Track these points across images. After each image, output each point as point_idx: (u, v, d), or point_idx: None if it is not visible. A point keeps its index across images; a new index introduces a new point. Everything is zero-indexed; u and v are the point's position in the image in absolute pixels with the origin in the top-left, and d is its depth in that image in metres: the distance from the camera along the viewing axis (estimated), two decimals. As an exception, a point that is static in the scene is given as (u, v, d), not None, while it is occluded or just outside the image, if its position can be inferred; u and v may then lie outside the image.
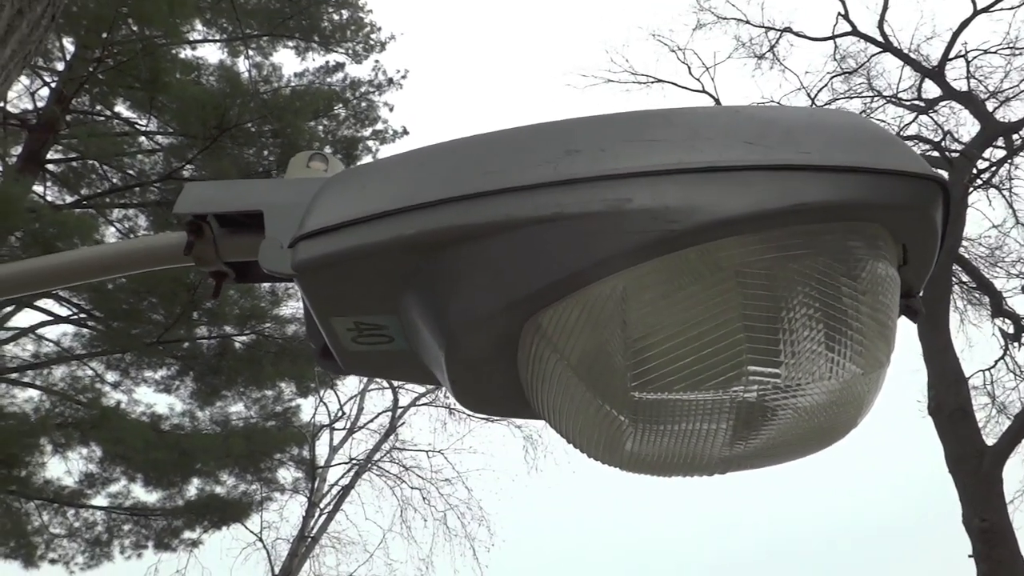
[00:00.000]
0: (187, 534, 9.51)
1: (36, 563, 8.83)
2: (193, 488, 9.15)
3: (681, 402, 0.53)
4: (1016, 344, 10.39)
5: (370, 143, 10.23)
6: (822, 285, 0.52)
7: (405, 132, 10.46)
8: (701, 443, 0.55)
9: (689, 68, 12.46)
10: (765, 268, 0.52)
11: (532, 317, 0.56)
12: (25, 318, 9.40)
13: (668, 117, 0.60)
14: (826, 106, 11.35)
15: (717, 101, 12.24)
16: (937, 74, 11.02)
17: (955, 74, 11.08)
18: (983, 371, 10.38)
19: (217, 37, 10.58)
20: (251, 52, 10.46)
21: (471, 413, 0.69)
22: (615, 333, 0.53)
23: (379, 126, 10.30)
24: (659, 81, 12.10)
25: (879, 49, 11.48)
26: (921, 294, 0.64)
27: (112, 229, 9.73)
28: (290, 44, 10.60)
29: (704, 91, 12.13)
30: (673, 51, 12.33)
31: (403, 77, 10.37)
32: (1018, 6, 10.59)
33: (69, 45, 9.43)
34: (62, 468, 8.70)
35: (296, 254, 0.60)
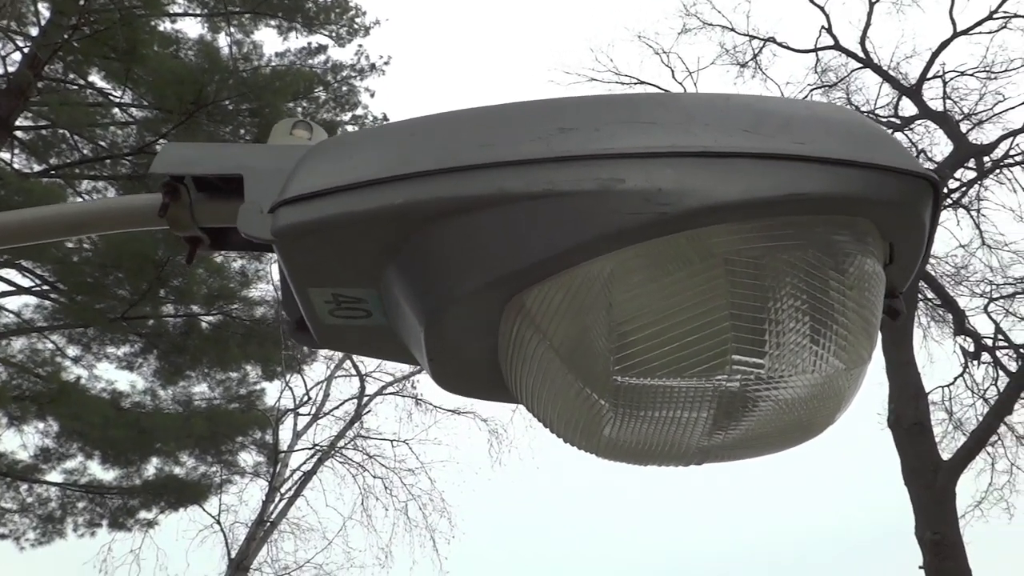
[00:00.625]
0: (143, 514, 9.37)
1: (-15, 537, 8.65)
2: (152, 468, 9.02)
3: (663, 388, 0.52)
4: (975, 362, 10.61)
5: (349, 128, 10.13)
6: (810, 277, 0.52)
7: (385, 118, 10.38)
8: (680, 431, 0.54)
9: (673, 71, 12.50)
10: (755, 257, 0.52)
11: (516, 296, 0.55)
12: (-15, 287, 9.17)
13: (663, 101, 0.59)
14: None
15: (699, 106, 12.26)
16: (914, 93, 11.20)
17: (932, 94, 11.28)
18: (942, 387, 10.59)
19: (198, 11, 10.39)
20: (232, 29, 10.30)
21: (447, 392, 0.68)
22: (600, 315, 0.52)
23: (359, 111, 10.21)
24: (642, 83, 12.13)
25: (860, 64, 11.64)
26: (903, 295, 0.64)
27: (80, 200, 9.53)
28: (272, 23, 10.45)
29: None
30: (658, 53, 12.38)
31: (386, 63, 10.30)
32: (997, 30, 10.81)
33: (44, 10, 9.20)
34: (17, 441, 8.52)
35: (276, 219, 0.58)
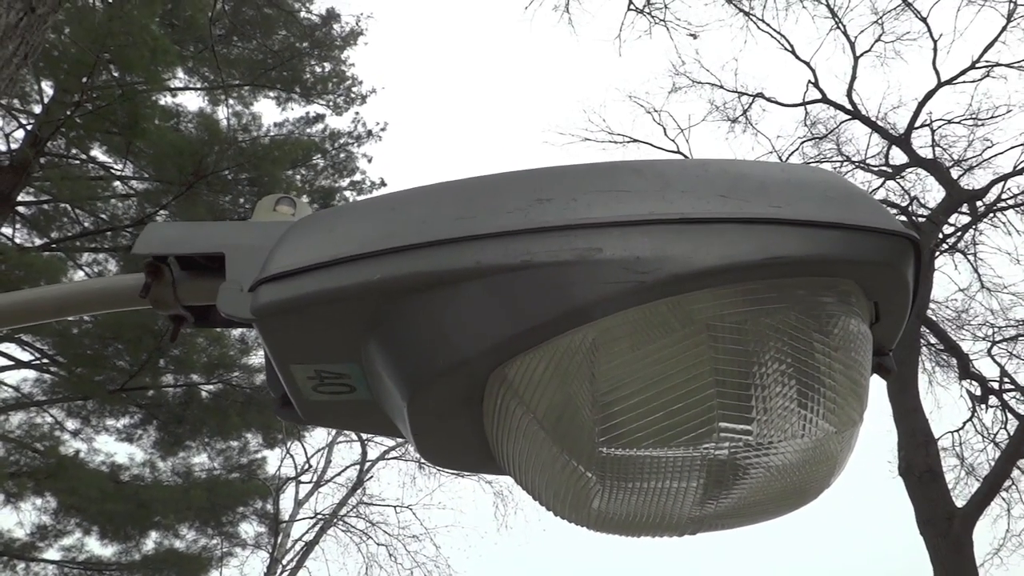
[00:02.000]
0: (143, 590, 9.13)
1: (-20, 620, 8.41)
2: (151, 542, 8.83)
3: (650, 459, 0.51)
4: (983, 406, 10.50)
5: (348, 193, 10.26)
6: (794, 340, 0.51)
7: (383, 183, 10.52)
8: (671, 502, 0.53)
9: (664, 129, 12.73)
10: (737, 322, 0.51)
11: (498, 368, 0.54)
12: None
13: (638, 169, 0.59)
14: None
15: (691, 162, 12.44)
16: (904, 141, 11.37)
17: (921, 142, 11.45)
18: (952, 432, 10.46)
19: (198, 85, 10.64)
20: (232, 101, 10.53)
21: (438, 468, 0.66)
22: (583, 386, 0.51)
23: (357, 176, 10.36)
24: (635, 141, 12.34)
25: (848, 116, 11.85)
26: (892, 353, 0.63)
27: (80, 273, 9.58)
28: (271, 94, 10.69)
29: (679, 152, 12.38)
30: (649, 112, 12.63)
31: (382, 130, 10.49)
32: (980, 79, 11.03)
33: (48, 88, 9.41)
34: (13, 519, 8.36)
35: (256, 298, 0.58)
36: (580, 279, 0.51)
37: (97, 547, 8.76)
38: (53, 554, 8.74)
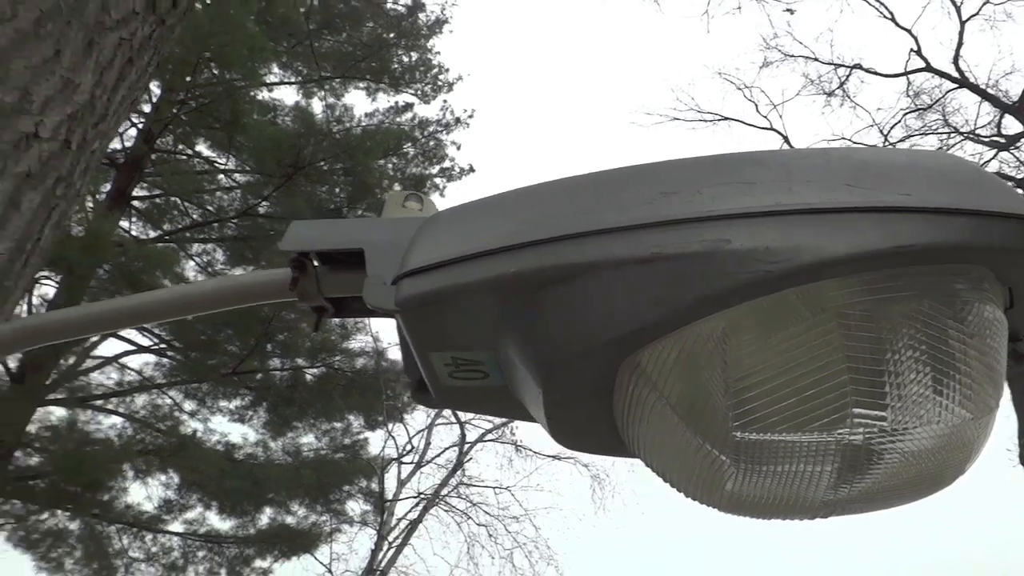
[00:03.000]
0: (258, 563, 9.67)
1: (115, 586, 9.11)
2: (265, 517, 9.34)
3: (784, 443, 0.52)
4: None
5: (438, 180, 10.44)
6: (928, 328, 0.52)
7: (471, 170, 10.65)
8: (804, 485, 0.54)
9: (756, 106, 12.32)
10: (868, 310, 0.52)
11: (630, 356, 0.56)
12: (109, 347, 9.84)
13: (761, 160, 0.60)
14: (903, 143, 11.08)
15: (786, 139, 12.06)
16: (1018, 110, 10.61)
17: (1037, 109, 10.65)
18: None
19: (292, 79, 11.02)
20: (324, 93, 10.86)
21: (564, 448, 0.70)
22: (715, 373, 0.53)
23: (446, 164, 10.52)
24: (726, 119, 12.00)
25: (954, 85, 11.15)
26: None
27: (192, 263, 10.15)
28: (361, 85, 10.96)
29: (772, 128, 11.98)
30: (740, 89, 12.24)
31: (470, 117, 10.60)
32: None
33: (155, 88, 9.95)
34: (142, 493, 9.00)
35: (399, 291, 0.62)
36: (710, 269, 0.53)
37: (216, 521, 9.34)
38: (177, 527, 9.38)
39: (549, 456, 11.74)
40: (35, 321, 0.82)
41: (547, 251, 0.57)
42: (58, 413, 8.93)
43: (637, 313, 0.55)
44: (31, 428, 8.38)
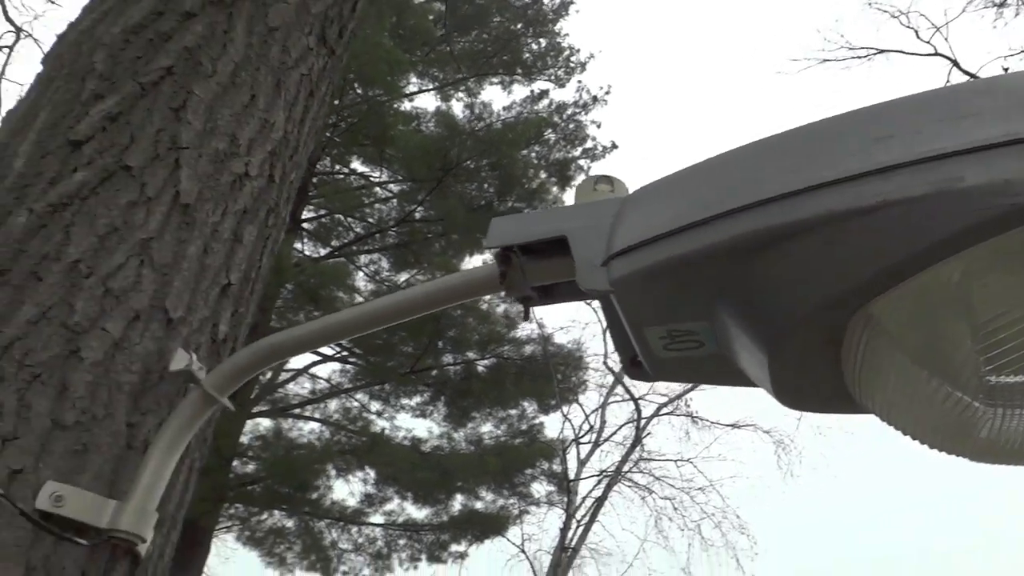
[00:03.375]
0: (454, 547, 10.18)
1: (332, 575, 9.92)
2: (457, 504, 9.80)
3: None
4: None
5: (581, 162, 10.43)
6: None
7: (614, 147, 10.54)
8: (1072, 425, 0.51)
9: (916, 32, 11.28)
10: None
11: (861, 310, 0.55)
12: (299, 360, 10.69)
13: (981, 89, 0.57)
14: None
15: (955, 63, 10.96)
16: None
17: None
18: None
19: (430, 86, 11.39)
20: (461, 94, 11.14)
21: (792, 411, 0.69)
22: (959, 317, 0.51)
23: (588, 144, 10.48)
24: (882, 51, 11.07)
25: None
26: None
27: (360, 273, 10.77)
28: (495, 80, 11.15)
29: (937, 54, 10.92)
30: (895, 16, 11.24)
31: (606, 93, 10.48)
32: None
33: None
34: (345, 490, 9.71)
35: (611, 272, 0.64)
36: (943, 211, 0.50)
37: (413, 511, 9.92)
38: (378, 518, 10.05)
39: (727, 425, 11.45)
40: (274, 340, 0.92)
41: (761, 214, 0.57)
42: (265, 423, 9.83)
43: (865, 265, 0.53)
44: (243, 439, 9.29)
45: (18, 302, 0.89)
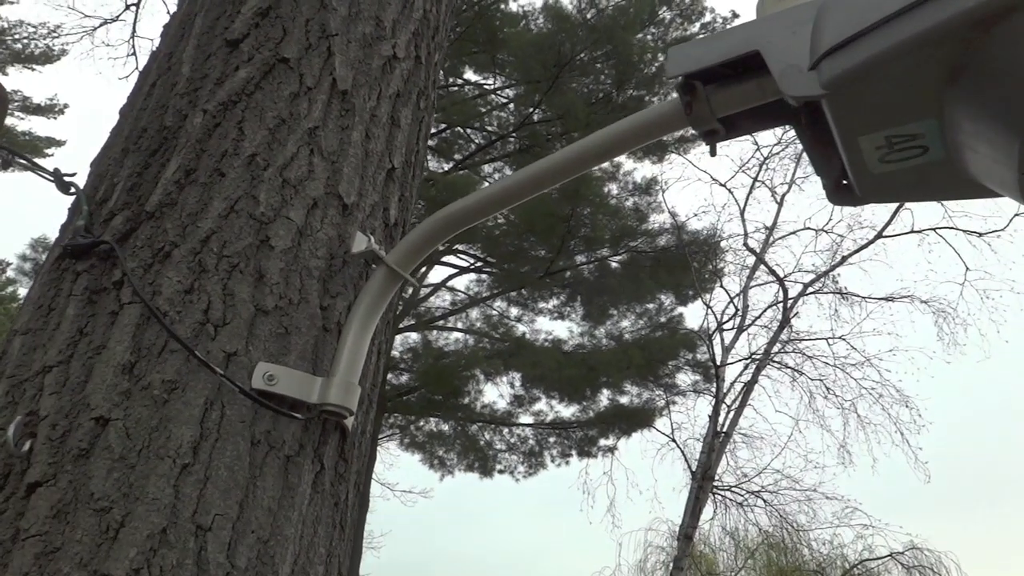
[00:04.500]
0: (603, 441, 10.46)
1: (490, 474, 10.49)
2: (603, 400, 10.00)
3: None
4: None
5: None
6: None
7: (735, 16, 9.84)
8: None
9: None
10: None
11: None
12: (436, 275, 11.04)
13: None
14: None
15: None
16: None
17: None
18: None
19: (534, -20, 10.97)
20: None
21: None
22: None
23: (707, 18, 9.83)
24: None
25: None
26: None
27: (486, 184, 10.84)
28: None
29: None
30: None
31: (722, -43, 9.71)
32: None
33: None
34: (495, 393, 10.12)
35: (822, 73, 0.58)
36: None
37: (560, 409, 10.23)
38: (527, 419, 10.45)
39: (881, 299, 10.84)
40: (449, 211, 0.92)
41: (1010, -30, 0.49)
42: (412, 337, 10.31)
43: None
44: (395, 353, 9.80)
45: (208, 198, 0.93)
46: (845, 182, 0.71)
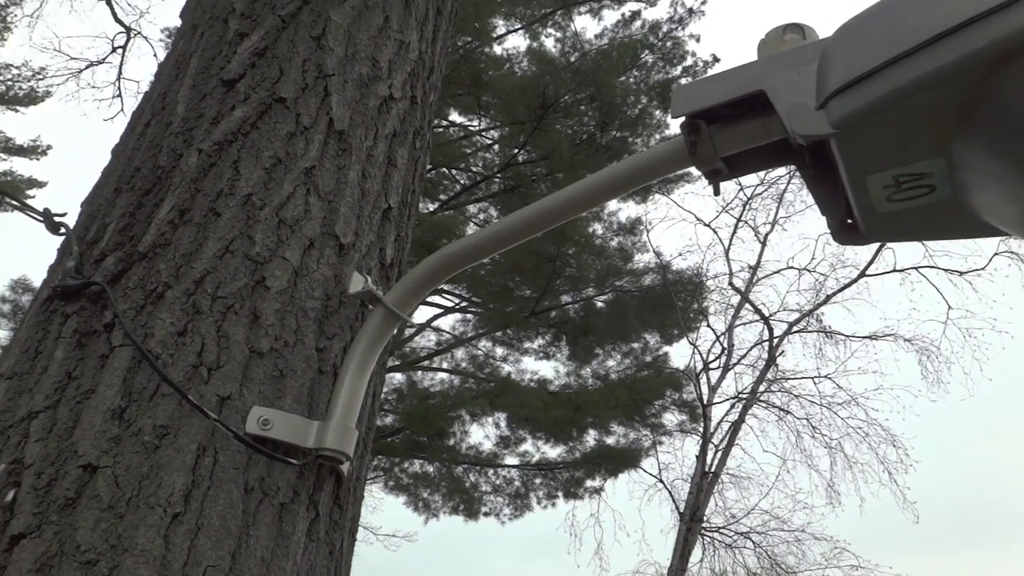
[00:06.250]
0: (589, 483, 10.34)
1: (476, 516, 10.32)
2: (590, 440, 9.91)
3: None
4: None
5: (683, 81, 10.00)
6: None
7: (716, 60, 10.04)
8: None
9: None
10: None
11: None
12: (420, 315, 10.99)
13: None
14: None
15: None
16: None
17: None
18: None
19: (518, 26, 11.16)
20: (550, 30, 10.86)
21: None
22: None
23: (688, 61, 10.02)
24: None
25: None
26: None
27: (471, 224, 10.87)
28: (583, 9, 10.78)
29: None
30: None
31: (703, 3, 9.95)
32: None
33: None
34: (481, 434, 10.00)
35: (831, 112, 0.58)
36: None
37: (547, 450, 10.12)
38: (513, 460, 10.32)
39: (864, 337, 10.91)
40: (449, 251, 0.91)
41: (1019, 13, 0.49)
42: (397, 377, 10.21)
43: None
44: (379, 393, 9.69)
45: (202, 238, 0.92)
46: (850, 221, 0.70)
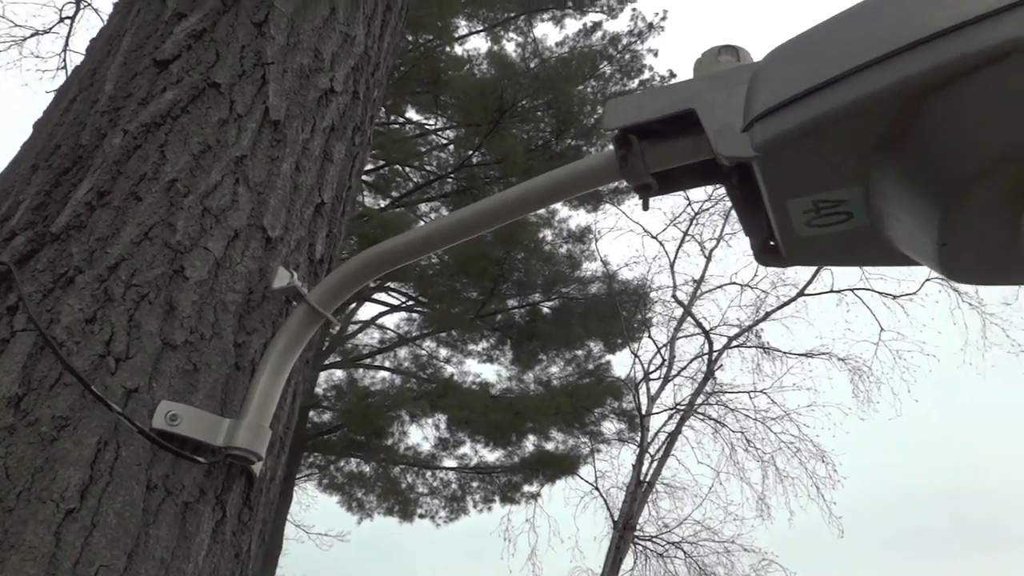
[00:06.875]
0: (527, 488, 10.36)
1: (411, 518, 10.24)
2: (529, 445, 9.93)
3: None
4: None
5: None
6: None
7: (672, 75, 10.20)
8: None
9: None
10: None
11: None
12: (366, 311, 10.87)
13: None
14: None
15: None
16: None
17: None
18: None
19: (479, 27, 11.16)
20: (512, 34, 10.89)
21: (956, 282, 0.63)
22: None
23: (645, 75, 10.15)
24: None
25: None
26: None
27: (422, 223, 10.81)
28: (546, 16, 10.83)
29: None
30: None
31: (662, 19, 10.10)
32: None
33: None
34: (420, 435, 9.94)
35: (755, 136, 0.59)
36: None
37: (485, 453, 10.11)
38: (451, 462, 10.28)
39: (800, 355, 11.20)
40: (378, 250, 0.89)
41: (937, 48, 0.50)
42: (338, 374, 10.08)
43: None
44: (318, 390, 9.55)
45: (120, 223, 0.88)
46: (772, 243, 0.71)
